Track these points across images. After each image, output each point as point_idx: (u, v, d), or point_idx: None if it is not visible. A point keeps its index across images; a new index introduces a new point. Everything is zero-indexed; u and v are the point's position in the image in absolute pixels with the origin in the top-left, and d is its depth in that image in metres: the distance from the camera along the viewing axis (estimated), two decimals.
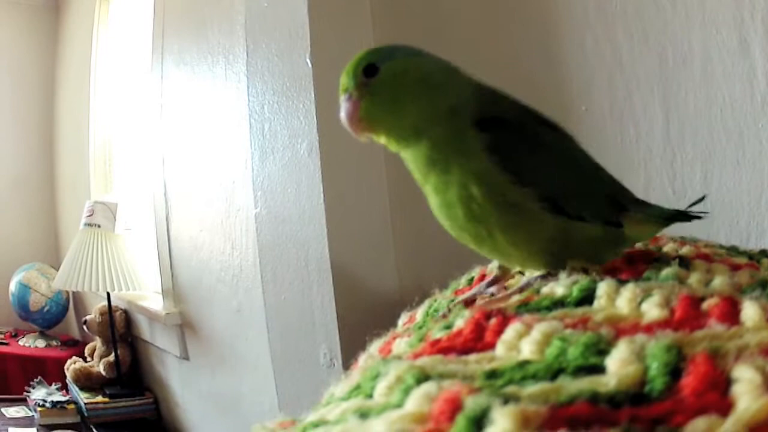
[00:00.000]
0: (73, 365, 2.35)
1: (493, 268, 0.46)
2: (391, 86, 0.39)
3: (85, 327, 2.41)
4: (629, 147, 0.77)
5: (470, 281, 0.50)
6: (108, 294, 2.25)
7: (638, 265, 0.40)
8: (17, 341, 2.91)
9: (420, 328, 0.38)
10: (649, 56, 0.75)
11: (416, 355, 0.28)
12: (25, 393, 2.34)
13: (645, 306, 0.30)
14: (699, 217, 0.47)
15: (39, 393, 2.27)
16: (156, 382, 2.24)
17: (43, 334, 2.95)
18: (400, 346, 0.35)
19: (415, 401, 0.22)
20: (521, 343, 0.27)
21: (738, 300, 0.30)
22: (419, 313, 0.47)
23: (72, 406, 2.18)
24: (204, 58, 1.69)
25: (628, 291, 0.32)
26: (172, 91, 1.93)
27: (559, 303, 0.32)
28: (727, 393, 0.21)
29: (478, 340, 0.29)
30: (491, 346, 0.28)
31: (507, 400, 0.20)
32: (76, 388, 2.26)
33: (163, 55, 1.95)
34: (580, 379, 0.23)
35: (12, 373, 2.63)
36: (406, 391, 0.23)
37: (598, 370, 0.23)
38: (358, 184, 1.05)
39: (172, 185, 1.94)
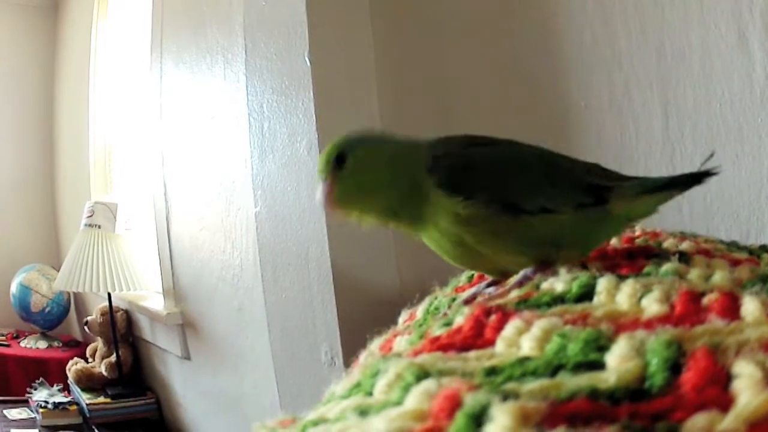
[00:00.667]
0: (74, 366, 2.35)
1: None
2: (356, 175, 0.42)
3: (86, 328, 2.41)
4: (628, 142, 0.77)
5: (470, 278, 0.50)
6: (109, 294, 2.25)
7: (638, 261, 0.40)
8: (19, 342, 2.91)
9: (420, 325, 0.38)
10: (648, 51, 0.75)
11: (416, 353, 0.28)
12: (26, 394, 2.35)
13: (645, 301, 0.30)
14: (698, 182, 0.43)
15: (41, 394, 2.28)
16: (158, 382, 2.25)
17: (44, 335, 2.95)
18: (400, 343, 0.35)
19: (414, 398, 0.22)
20: (521, 339, 0.27)
21: (738, 295, 0.29)
22: (420, 310, 0.47)
23: (74, 407, 2.19)
24: (203, 57, 1.69)
25: (628, 286, 0.32)
26: (172, 91, 1.93)
27: (558, 299, 0.32)
28: (728, 388, 0.21)
29: (477, 337, 0.29)
30: (491, 342, 0.28)
31: (506, 396, 0.20)
32: (78, 389, 2.27)
33: (162, 54, 1.95)
34: (579, 376, 0.22)
35: (13, 375, 2.63)
36: (406, 389, 0.23)
37: (598, 366, 0.23)
38: None
39: (172, 185, 1.94)
